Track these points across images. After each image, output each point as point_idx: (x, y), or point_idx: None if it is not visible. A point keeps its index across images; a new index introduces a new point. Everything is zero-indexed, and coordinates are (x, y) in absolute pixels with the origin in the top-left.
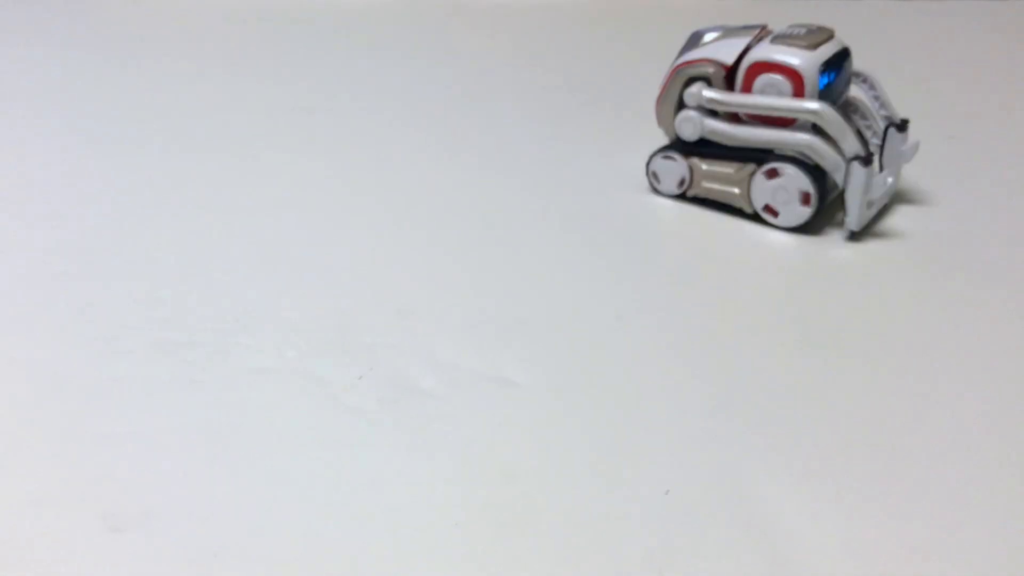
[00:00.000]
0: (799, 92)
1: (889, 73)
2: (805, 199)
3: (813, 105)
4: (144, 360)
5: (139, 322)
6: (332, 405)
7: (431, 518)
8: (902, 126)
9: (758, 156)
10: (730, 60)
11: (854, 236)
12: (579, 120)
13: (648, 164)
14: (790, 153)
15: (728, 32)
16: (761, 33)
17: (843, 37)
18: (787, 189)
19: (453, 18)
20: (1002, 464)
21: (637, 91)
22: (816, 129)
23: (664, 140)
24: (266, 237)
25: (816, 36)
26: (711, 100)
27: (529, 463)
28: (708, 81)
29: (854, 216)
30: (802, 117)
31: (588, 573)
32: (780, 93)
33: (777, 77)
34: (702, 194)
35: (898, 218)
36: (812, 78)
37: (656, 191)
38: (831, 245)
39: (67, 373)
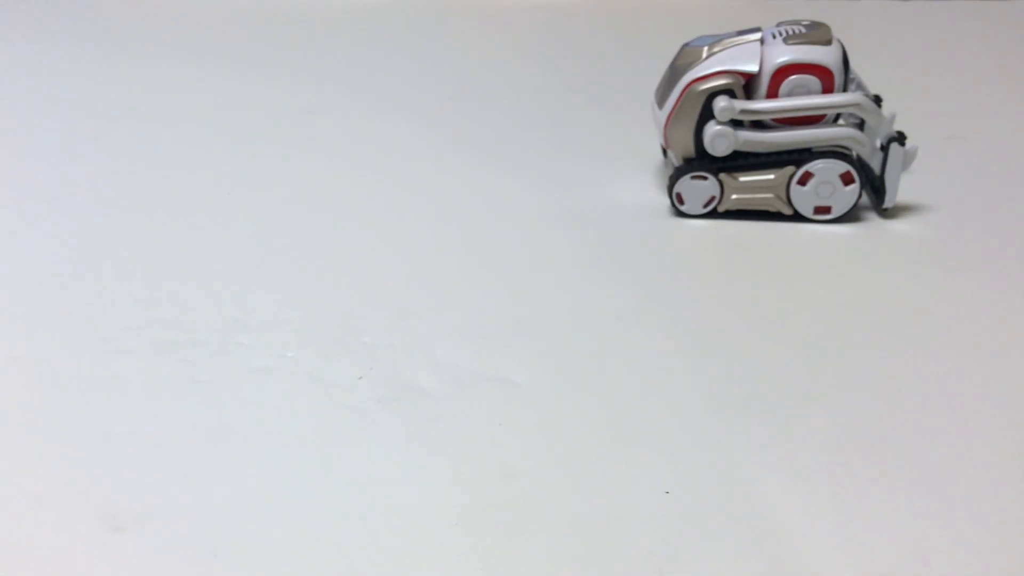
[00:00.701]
0: (828, 88)
1: (888, 73)
2: (847, 179)
3: (855, 98)
4: (144, 360)
5: (139, 322)
6: (332, 405)
7: (431, 518)
8: (902, 139)
9: (796, 157)
10: (754, 68)
11: (885, 213)
12: (579, 120)
13: (672, 187)
14: (826, 148)
15: (725, 40)
16: (762, 36)
17: (842, 37)
18: (827, 181)
19: (453, 18)
20: (1003, 464)
21: (637, 91)
22: (834, 120)
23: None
24: (266, 237)
25: (820, 31)
26: (747, 111)
27: (529, 463)
28: (731, 93)
29: (892, 194)
30: (844, 111)
31: (588, 573)
32: (810, 92)
33: (808, 77)
34: (732, 207)
35: (897, 218)
36: (840, 72)
37: (680, 213)
38: (827, 246)
39: (67, 373)
